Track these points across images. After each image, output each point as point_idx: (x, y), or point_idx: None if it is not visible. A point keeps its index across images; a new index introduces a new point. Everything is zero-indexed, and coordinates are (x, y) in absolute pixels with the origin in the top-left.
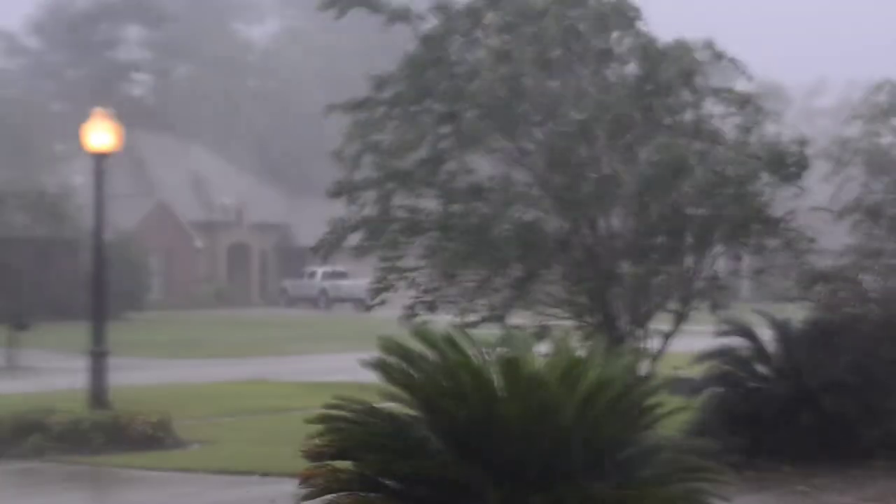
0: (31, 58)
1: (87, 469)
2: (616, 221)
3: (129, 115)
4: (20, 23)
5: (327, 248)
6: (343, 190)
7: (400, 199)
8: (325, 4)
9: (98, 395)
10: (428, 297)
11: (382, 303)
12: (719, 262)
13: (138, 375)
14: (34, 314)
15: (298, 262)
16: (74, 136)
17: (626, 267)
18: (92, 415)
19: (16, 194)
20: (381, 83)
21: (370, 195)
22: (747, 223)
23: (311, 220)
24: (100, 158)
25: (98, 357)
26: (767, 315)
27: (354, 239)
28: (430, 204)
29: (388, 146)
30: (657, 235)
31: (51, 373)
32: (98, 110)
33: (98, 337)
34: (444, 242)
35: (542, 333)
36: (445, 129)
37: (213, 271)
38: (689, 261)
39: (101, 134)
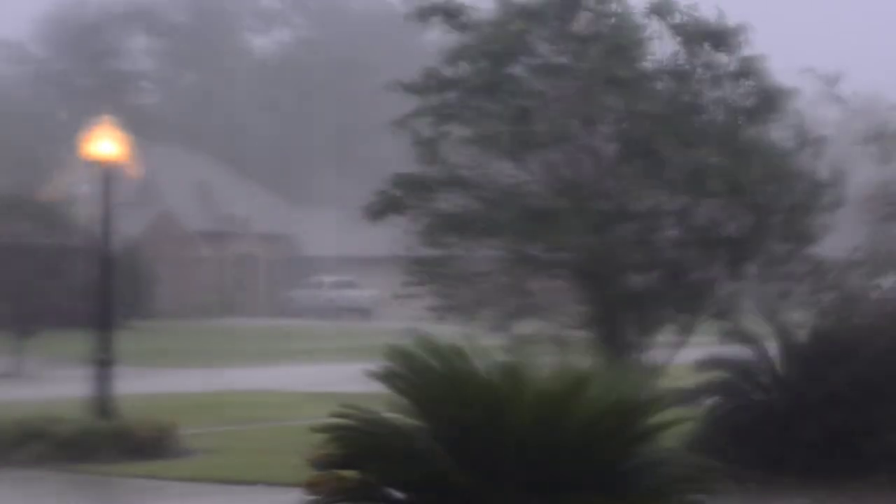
0: (37, 66)
1: (91, 478)
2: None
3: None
4: (26, 31)
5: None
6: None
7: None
8: (412, 17)
9: (103, 403)
10: (438, 306)
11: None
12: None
13: (143, 384)
14: (39, 322)
15: (305, 272)
16: (80, 145)
17: (636, 280)
18: (97, 423)
19: (21, 202)
20: (454, 58)
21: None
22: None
23: (318, 230)
24: (106, 167)
25: (103, 365)
26: (776, 322)
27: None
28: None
29: (466, 139)
30: (670, 249)
31: (55, 381)
32: (104, 119)
33: (103, 345)
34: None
35: (548, 343)
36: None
37: (219, 281)
38: (698, 274)
39: (106, 143)
